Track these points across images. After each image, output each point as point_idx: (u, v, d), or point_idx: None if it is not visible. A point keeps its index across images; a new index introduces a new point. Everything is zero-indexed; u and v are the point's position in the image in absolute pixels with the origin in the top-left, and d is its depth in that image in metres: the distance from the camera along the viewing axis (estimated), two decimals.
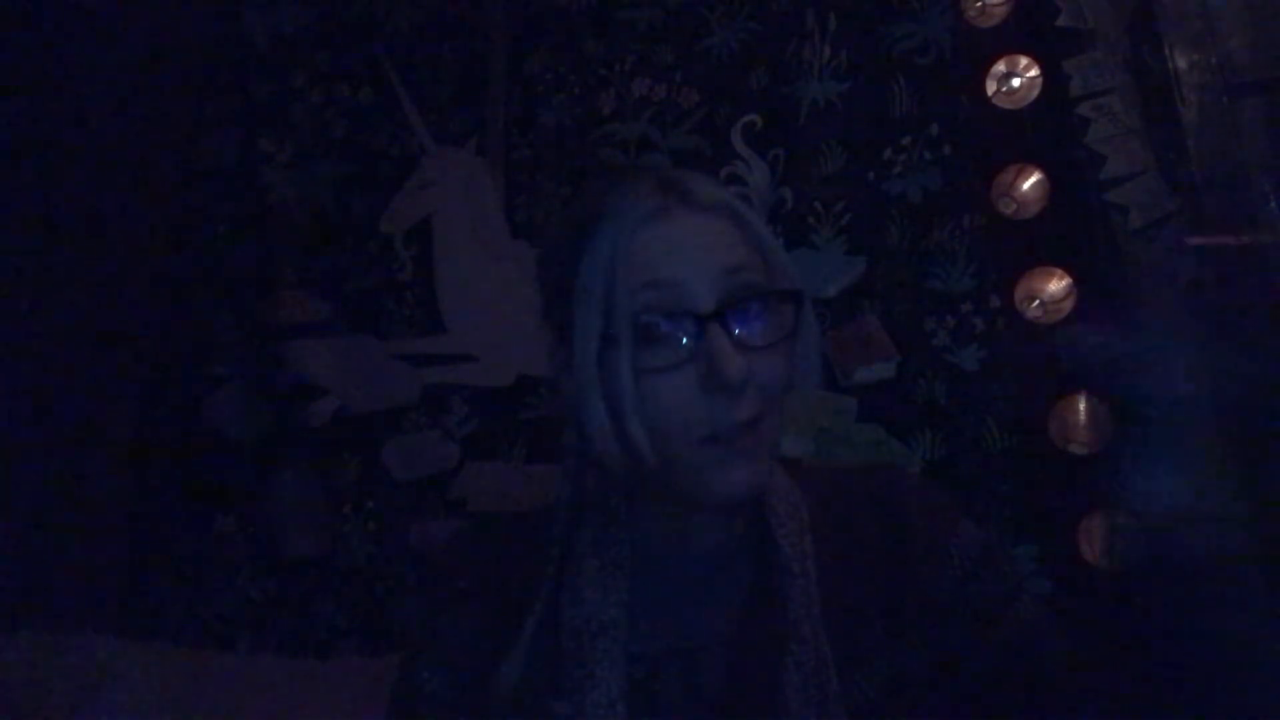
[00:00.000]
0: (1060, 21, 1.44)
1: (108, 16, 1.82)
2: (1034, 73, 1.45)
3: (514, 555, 0.73)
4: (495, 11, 1.74)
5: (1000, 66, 1.47)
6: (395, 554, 1.56)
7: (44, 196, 1.77)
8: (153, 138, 1.79)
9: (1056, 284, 1.39)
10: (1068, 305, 1.37)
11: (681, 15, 1.66)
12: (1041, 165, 1.43)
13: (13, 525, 1.60)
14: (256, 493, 1.63)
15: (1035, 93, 1.45)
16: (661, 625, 0.68)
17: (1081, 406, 1.33)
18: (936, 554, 0.70)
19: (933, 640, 0.68)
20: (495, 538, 0.78)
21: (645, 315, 0.62)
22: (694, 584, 0.70)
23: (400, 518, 1.57)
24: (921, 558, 0.70)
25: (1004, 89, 1.47)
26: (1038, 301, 1.39)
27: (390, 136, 1.74)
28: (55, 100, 1.80)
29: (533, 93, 1.70)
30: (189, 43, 1.83)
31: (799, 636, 0.65)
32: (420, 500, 1.58)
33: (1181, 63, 1.39)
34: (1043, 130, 1.45)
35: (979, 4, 1.50)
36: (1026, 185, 1.43)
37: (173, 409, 1.69)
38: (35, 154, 1.77)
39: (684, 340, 0.62)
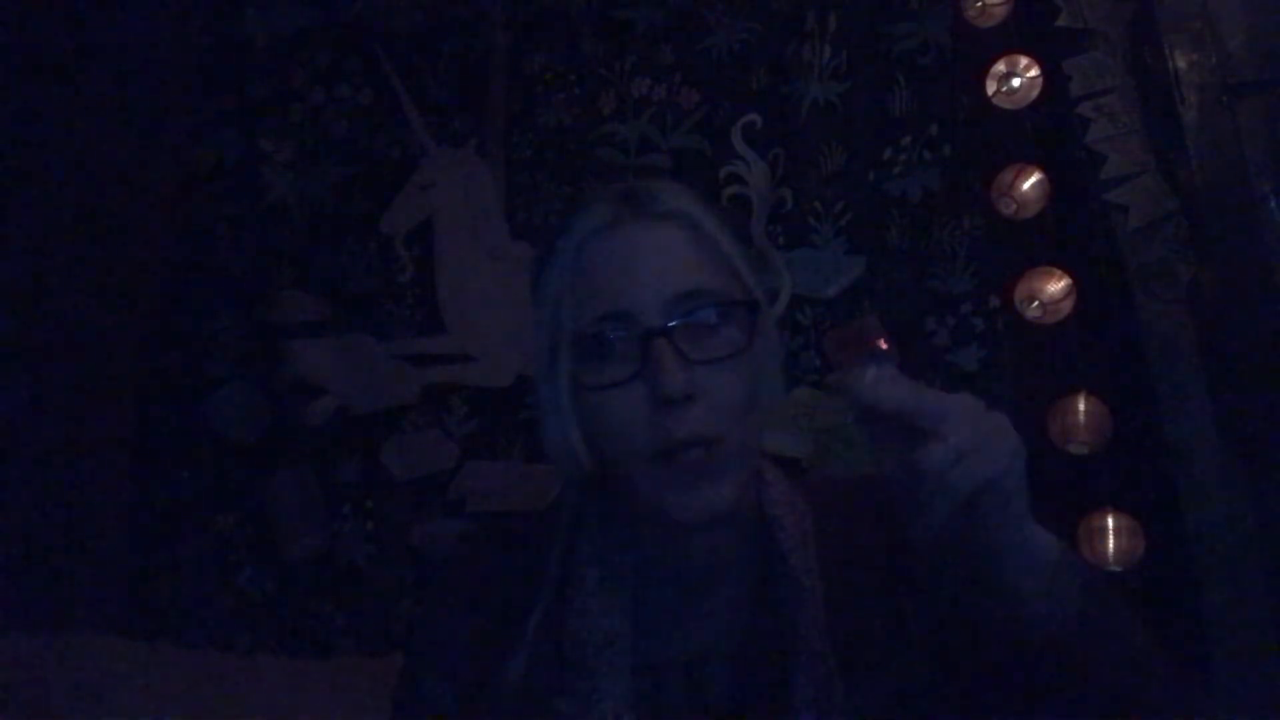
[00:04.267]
0: (1060, 21, 1.44)
1: (108, 17, 1.82)
2: (1034, 73, 1.45)
3: (517, 559, 0.73)
4: (495, 11, 1.74)
5: (1000, 66, 1.47)
6: (395, 554, 1.56)
7: (44, 196, 1.77)
8: (153, 137, 1.79)
9: (1056, 284, 1.39)
10: (1067, 305, 1.37)
11: (681, 15, 1.66)
12: (1041, 165, 1.43)
13: (13, 525, 1.60)
14: (256, 493, 1.62)
15: (1035, 93, 1.45)
16: (665, 635, 0.68)
17: (1081, 406, 1.33)
18: (939, 564, 0.70)
19: (936, 648, 0.67)
20: (498, 541, 0.78)
21: (592, 331, 0.62)
22: (697, 593, 0.69)
23: (400, 518, 1.57)
24: (924, 567, 0.69)
25: (1004, 89, 1.47)
26: (1037, 301, 1.39)
27: (390, 136, 1.74)
28: (55, 100, 1.79)
29: (533, 93, 1.70)
30: (189, 43, 1.83)
31: (809, 649, 0.64)
32: (420, 500, 1.58)
33: (1181, 63, 1.39)
34: (1043, 130, 1.45)
35: (979, 4, 1.50)
36: (1026, 185, 1.43)
37: (173, 409, 1.69)
38: (35, 154, 1.77)
39: (630, 356, 0.61)
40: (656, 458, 0.61)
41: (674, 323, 0.61)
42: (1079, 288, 1.37)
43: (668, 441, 0.60)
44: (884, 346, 0.56)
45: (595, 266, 0.65)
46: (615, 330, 0.62)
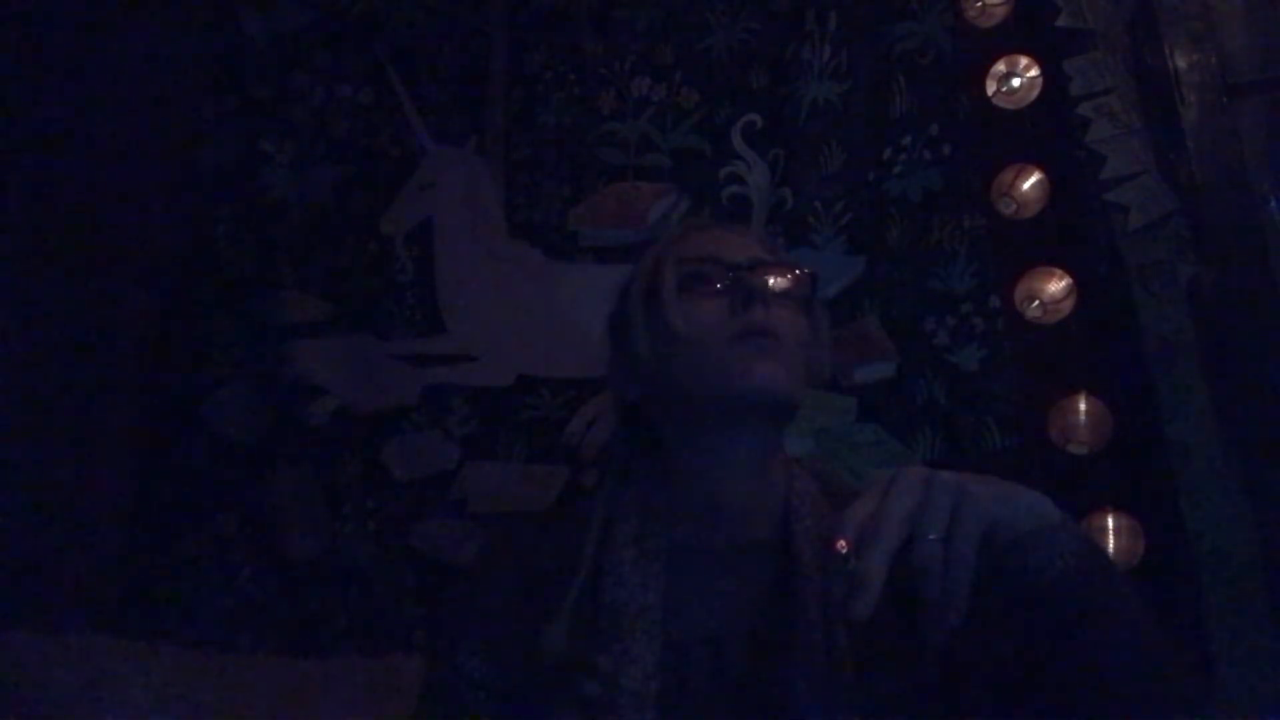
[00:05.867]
0: (1060, 21, 1.44)
1: (108, 17, 1.82)
2: (1034, 73, 1.45)
3: (549, 547, 0.81)
4: (495, 11, 1.74)
5: (1000, 66, 1.47)
6: (395, 554, 1.56)
7: (44, 196, 1.77)
8: (153, 138, 1.79)
9: (1056, 284, 1.39)
10: (1068, 305, 1.37)
11: (681, 15, 1.66)
12: (1041, 165, 1.43)
13: (13, 525, 1.60)
14: (256, 493, 1.62)
15: (1035, 93, 1.45)
16: (692, 615, 0.74)
17: (1081, 406, 1.33)
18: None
19: (947, 649, 0.68)
20: (531, 532, 0.87)
21: (691, 266, 0.81)
22: (723, 579, 0.76)
23: (400, 518, 1.57)
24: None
25: (1004, 89, 1.47)
26: (1037, 301, 1.39)
27: (390, 136, 1.74)
28: (55, 100, 1.80)
29: (533, 93, 1.70)
30: (189, 43, 1.83)
31: (813, 639, 0.69)
32: (420, 500, 1.58)
33: (1181, 63, 1.39)
34: (1043, 130, 1.45)
35: (979, 4, 1.50)
36: (1026, 185, 1.43)
37: (173, 409, 1.69)
38: (35, 154, 1.77)
39: (719, 283, 0.79)
40: (733, 340, 0.76)
41: (753, 264, 0.80)
42: (1079, 288, 1.37)
43: (747, 325, 0.76)
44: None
45: (694, 235, 0.87)
46: (709, 266, 0.80)
